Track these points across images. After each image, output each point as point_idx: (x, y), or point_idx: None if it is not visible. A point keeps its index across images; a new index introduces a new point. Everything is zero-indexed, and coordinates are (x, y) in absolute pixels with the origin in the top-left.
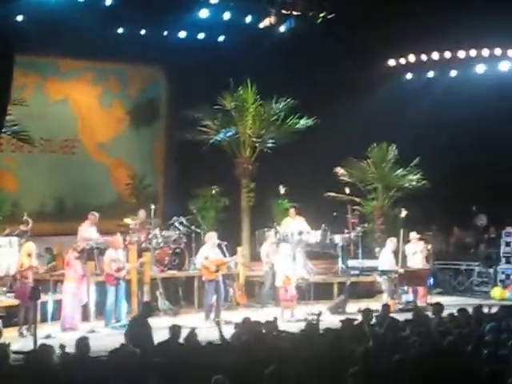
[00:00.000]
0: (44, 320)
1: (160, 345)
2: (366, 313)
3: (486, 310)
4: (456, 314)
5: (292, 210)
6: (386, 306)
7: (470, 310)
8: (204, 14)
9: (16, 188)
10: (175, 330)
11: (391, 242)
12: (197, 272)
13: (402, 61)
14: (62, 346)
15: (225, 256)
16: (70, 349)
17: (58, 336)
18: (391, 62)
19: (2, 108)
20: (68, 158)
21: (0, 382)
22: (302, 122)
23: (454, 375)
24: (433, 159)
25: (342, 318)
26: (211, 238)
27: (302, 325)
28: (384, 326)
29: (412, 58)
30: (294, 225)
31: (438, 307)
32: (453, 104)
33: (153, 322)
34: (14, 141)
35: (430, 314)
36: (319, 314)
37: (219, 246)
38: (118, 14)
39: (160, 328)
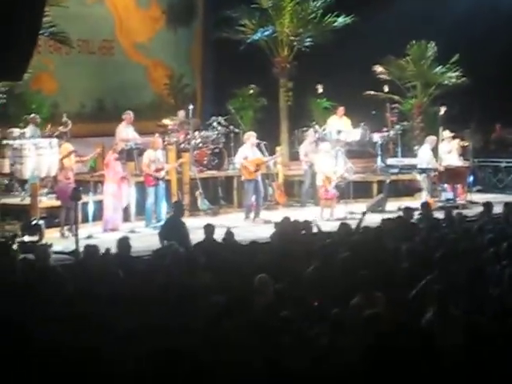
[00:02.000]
0: (85, 221)
1: (197, 245)
2: (407, 211)
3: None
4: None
5: (341, 109)
6: (425, 204)
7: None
8: None
9: (55, 89)
10: (209, 229)
11: (430, 140)
12: (236, 172)
13: None
14: (108, 250)
15: (264, 155)
16: (113, 249)
17: (100, 236)
18: None
19: (38, 9)
20: (106, 58)
21: (41, 283)
22: (340, 19)
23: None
24: (473, 56)
25: (382, 216)
26: (250, 137)
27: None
28: (426, 223)
29: None
30: (339, 124)
31: (487, 206)
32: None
33: (192, 221)
34: (52, 42)
35: (470, 211)
36: (364, 214)
37: (258, 145)
38: None
39: (200, 228)
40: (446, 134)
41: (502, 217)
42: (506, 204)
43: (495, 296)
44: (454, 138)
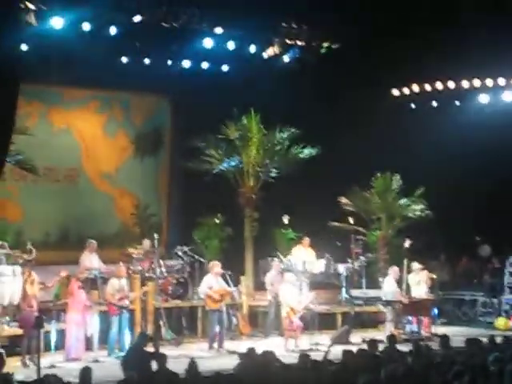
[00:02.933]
0: (47, 349)
1: (155, 373)
2: (372, 343)
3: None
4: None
5: (306, 240)
6: (392, 337)
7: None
8: (208, 43)
9: (19, 217)
10: (161, 359)
11: (393, 271)
12: (200, 302)
13: (406, 90)
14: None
15: (228, 285)
16: (75, 379)
17: (62, 366)
18: (395, 92)
19: (6, 137)
20: (72, 187)
21: None
22: (306, 151)
23: None
24: (436, 189)
25: (346, 348)
26: (214, 267)
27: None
28: (391, 357)
29: (416, 87)
30: (303, 254)
31: (445, 339)
32: (457, 133)
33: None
34: (18, 170)
35: (434, 344)
36: (330, 346)
37: (223, 275)
38: (121, 44)
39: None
40: (415, 265)
41: (466, 351)
42: (469, 340)
43: None
44: (422, 269)
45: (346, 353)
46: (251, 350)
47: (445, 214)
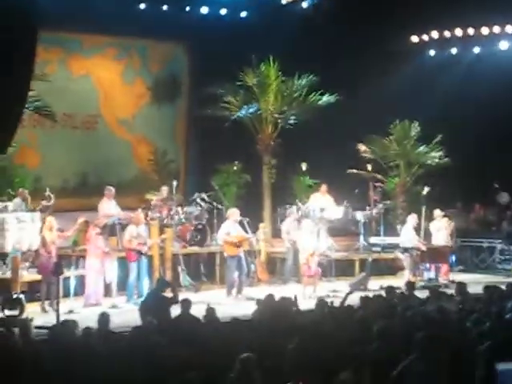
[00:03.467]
0: (66, 295)
1: (176, 318)
2: (389, 290)
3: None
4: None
5: (324, 187)
6: (409, 283)
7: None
8: None
9: (38, 164)
10: (186, 304)
11: (412, 219)
12: (218, 248)
13: (425, 37)
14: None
15: (246, 232)
16: (93, 324)
17: (81, 311)
18: (414, 39)
19: (25, 83)
20: (90, 133)
21: (22, 357)
22: (324, 98)
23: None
24: (455, 136)
25: (364, 294)
26: (233, 214)
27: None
28: (408, 303)
29: (435, 34)
30: (322, 201)
31: (462, 286)
32: (476, 81)
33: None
34: (36, 116)
35: (452, 291)
36: (349, 293)
37: (241, 222)
38: None
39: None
40: (437, 212)
41: (484, 298)
42: (487, 287)
43: (479, 377)
44: (444, 216)
45: (363, 299)
46: (269, 296)
47: (463, 162)
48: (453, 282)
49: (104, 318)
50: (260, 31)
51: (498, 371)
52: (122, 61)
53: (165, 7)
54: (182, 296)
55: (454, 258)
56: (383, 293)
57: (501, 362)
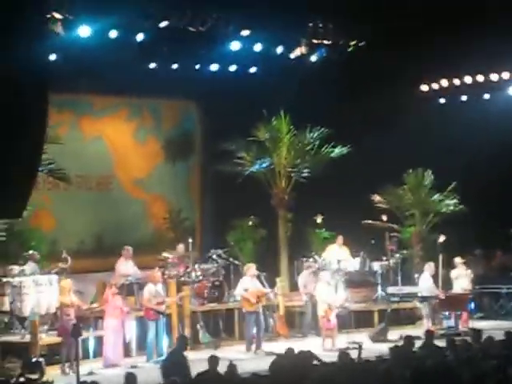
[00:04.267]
0: (86, 357)
1: (199, 375)
2: (408, 340)
3: None
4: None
5: (340, 238)
6: (429, 333)
7: None
8: (235, 46)
9: (53, 226)
10: (213, 361)
11: (429, 267)
12: (236, 304)
13: (435, 86)
14: None
15: (264, 287)
16: None
17: (101, 372)
18: (424, 88)
19: (38, 147)
20: (104, 194)
21: None
22: (337, 150)
23: None
24: (470, 183)
25: (384, 345)
26: (250, 269)
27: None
28: (427, 352)
29: (444, 82)
30: (338, 253)
31: (477, 334)
32: (488, 127)
33: (194, 354)
34: (50, 179)
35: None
36: (360, 346)
37: (258, 277)
38: (149, 50)
39: (201, 360)
40: (458, 260)
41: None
42: (508, 333)
43: None
44: (463, 263)
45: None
46: (289, 350)
47: (478, 208)
48: (472, 329)
49: (131, 378)
50: (270, 85)
51: None
52: (133, 121)
53: (175, 65)
54: (201, 354)
55: (472, 305)
56: (402, 343)
57: None
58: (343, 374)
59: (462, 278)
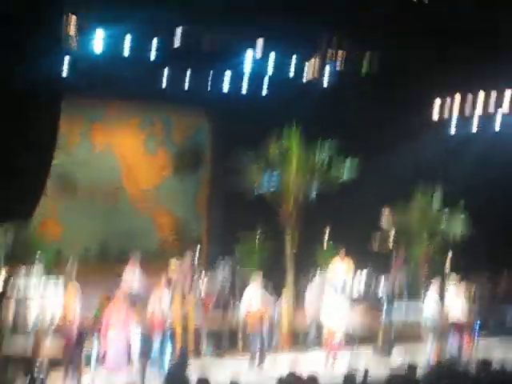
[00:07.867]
0: (89, 365)
1: None
2: (411, 368)
3: None
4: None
5: (342, 251)
6: (431, 360)
7: None
8: (248, 60)
9: (59, 234)
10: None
11: (435, 287)
12: (242, 316)
13: (447, 104)
14: None
15: (269, 299)
16: None
17: (103, 381)
18: (435, 107)
19: (49, 156)
20: (111, 204)
21: None
22: (346, 168)
23: None
24: (478, 203)
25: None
26: (256, 278)
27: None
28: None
29: (455, 101)
30: (342, 266)
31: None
32: (499, 148)
33: (197, 366)
34: (58, 188)
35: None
36: (366, 371)
37: (264, 289)
38: (162, 64)
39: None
40: (453, 277)
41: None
42: None
43: None
44: (462, 282)
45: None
46: (291, 375)
47: (487, 229)
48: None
49: None
50: (281, 103)
51: None
52: (144, 130)
53: (187, 79)
54: (204, 365)
55: (477, 324)
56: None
57: None
58: None
59: (460, 297)
